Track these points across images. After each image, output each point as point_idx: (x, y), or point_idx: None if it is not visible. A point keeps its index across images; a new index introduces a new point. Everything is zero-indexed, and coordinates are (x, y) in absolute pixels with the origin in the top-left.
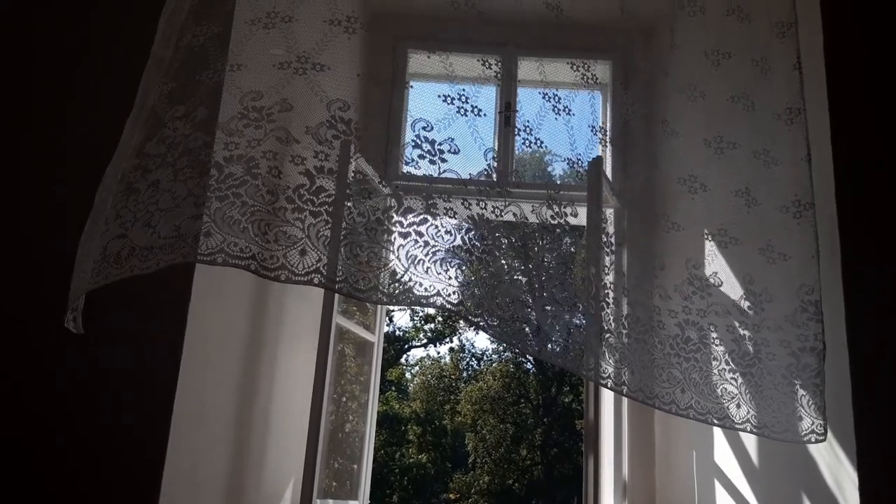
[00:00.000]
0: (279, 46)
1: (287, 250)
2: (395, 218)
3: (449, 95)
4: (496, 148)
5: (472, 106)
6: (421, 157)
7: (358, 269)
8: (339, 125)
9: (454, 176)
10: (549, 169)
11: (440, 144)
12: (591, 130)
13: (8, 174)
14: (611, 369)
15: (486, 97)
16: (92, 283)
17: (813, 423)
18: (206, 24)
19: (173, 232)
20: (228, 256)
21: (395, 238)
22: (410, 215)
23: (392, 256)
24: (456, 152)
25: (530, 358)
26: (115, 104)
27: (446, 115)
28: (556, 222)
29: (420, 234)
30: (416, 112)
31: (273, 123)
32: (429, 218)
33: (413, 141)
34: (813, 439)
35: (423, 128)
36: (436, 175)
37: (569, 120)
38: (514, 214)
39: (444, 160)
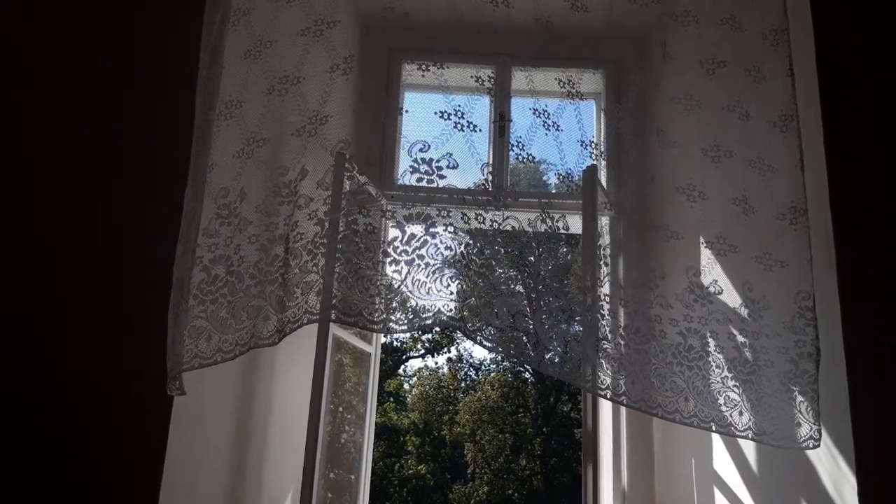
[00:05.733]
0: (293, 112)
1: (307, 296)
2: (401, 248)
3: (445, 111)
4: (491, 161)
5: (467, 121)
6: (419, 180)
7: (361, 297)
8: (341, 163)
9: (452, 187)
10: (545, 178)
11: (438, 162)
12: (581, 145)
13: (10, 172)
14: (609, 380)
15: (481, 111)
16: (190, 367)
17: (811, 430)
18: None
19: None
20: (279, 333)
21: (391, 261)
22: (408, 238)
23: (397, 283)
24: (455, 167)
25: (528, 367)
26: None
27: (443, 131)
28: (552, 231)
29: (421, 257)
30: (411, 134)
31: (297, 195)
32: (429, 239)
33: (411, 167)
34: (811, 445)
35: (420, 149)
36: (432, 196)
37: (558, 136)
38: (511, 225)
39: (442, 176)
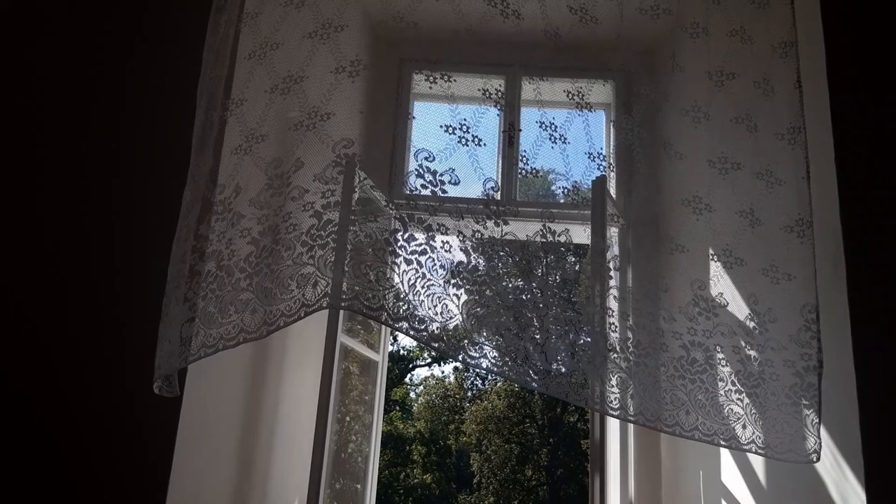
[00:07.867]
0: (294, 109)
1: (303, 290)
2: (401, 242)
3: (450, 125)
4: (497, 176)
5: (472, 136)
6: (423, 186)
7: (366, 286)
8: (343, 161)
9: (457, 200)
10: (553, 188)
11: (441, 175)
12: (589, 157)
13: (10, 172)
14: (615, 395)
15: (487, 124)
16: (175, 367)
17: (816, 443)
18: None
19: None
20: (268, 325)
21: (400, 262)
22: (413, 244)
23: (396, 279)
24: (456, 183)
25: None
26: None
27: (447, 145)
28: (559, 241)
29: (420, 265)
30: (418, 142)
31: (289, 186)
32: (428, 250)
33: (416, 170)
34: (815, 458)
35: (426, 158)
36: (437, 205)
37: (565, 148)
38: (518, 234)
39: (444, 191)
